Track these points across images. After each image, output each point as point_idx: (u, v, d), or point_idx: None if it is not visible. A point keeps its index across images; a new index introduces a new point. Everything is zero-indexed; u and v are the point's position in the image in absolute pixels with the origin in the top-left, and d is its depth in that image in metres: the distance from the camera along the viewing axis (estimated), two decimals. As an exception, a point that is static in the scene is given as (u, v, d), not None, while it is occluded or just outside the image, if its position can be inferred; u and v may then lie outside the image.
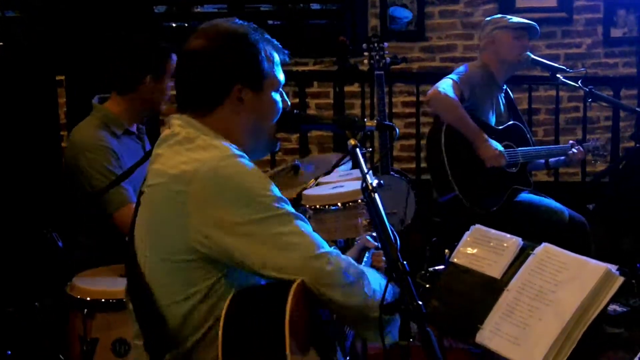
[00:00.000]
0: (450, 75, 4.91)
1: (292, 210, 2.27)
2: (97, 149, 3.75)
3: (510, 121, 5.06)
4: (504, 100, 5.11)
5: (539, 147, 5.16)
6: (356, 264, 2.32)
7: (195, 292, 2.28)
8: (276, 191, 2.27)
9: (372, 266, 2.94)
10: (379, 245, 2.93)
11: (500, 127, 4.94)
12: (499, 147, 4.76)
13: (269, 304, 2.17)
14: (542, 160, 5.18)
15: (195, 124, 2.36)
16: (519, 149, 4.91)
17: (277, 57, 2.45)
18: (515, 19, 4.99)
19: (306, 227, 2.27)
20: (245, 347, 2.13)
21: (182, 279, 2.29)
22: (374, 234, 2.94)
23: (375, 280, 2.35)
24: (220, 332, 2.13)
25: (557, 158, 5.13)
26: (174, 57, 3.89)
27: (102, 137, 3.79)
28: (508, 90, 5.19)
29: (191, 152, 2.28)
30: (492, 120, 4.96)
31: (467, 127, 4.73)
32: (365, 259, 2.93)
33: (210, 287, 2.28)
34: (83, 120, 3.93)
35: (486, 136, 4.74)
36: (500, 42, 4.94)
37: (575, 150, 5.11)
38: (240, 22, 2.42)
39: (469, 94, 4.82)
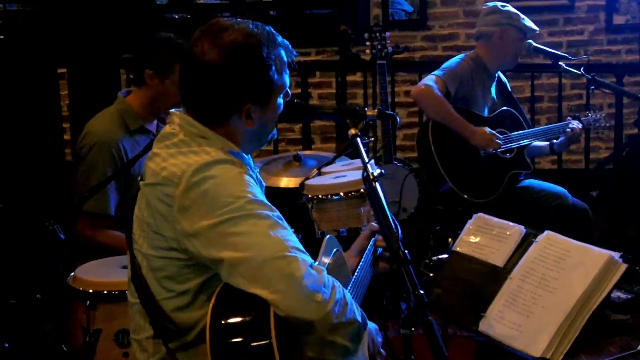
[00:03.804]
0: (436, 71, 4.88)
1: (264, 211, 2.18)
2: (105, 146, 3.74)
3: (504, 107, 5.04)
4: (496, 87, 5.07)
5: (534, 128, 5.09)
6: (329, 277, 2.19)
7: (189, 288, 2.30)
8: (251, 195, 2.20)
9: (376, 247, 2.93)
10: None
11: (491, 115, 4.92)
12: (488, 129, 4.75)
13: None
14: (547, 145, 5.12)
15: (196, 125, 2.34)
16: (513, 133, 4.89)
17: (285, 59, 2.39)
18: (525, 19, 4.90)
19: (272, 228, 2.17)
20: (232, 336, 2.14)
21: (177, 276, 2.30)
22: None
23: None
24: (207, 324, 2.15)
25: (560, 140, 5.05)
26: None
27: (114, 133, 3.78)
28: (500, 76, 5.14)
29: (184, 155, 2.27)
30: (485, 110, 4.94)
31: (453, 121, 4.72)
32: (369, 246, 2.92)
33: (203, 284, 2.30)
34: (103, 110, 3.92)
35: (472, 125, 4.72)
36: (508, 39, 4.85)
37: (572, 127, 5.03)
38: (253, 27, 2.33)
39: (456, 89, 4.80)
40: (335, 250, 2.67)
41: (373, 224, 2.98)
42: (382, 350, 2.53)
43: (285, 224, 2.23)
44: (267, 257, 2.10)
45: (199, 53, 2.30)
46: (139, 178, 2.43)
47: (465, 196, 4.64)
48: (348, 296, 2.23)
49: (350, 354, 2.23)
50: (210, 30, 2.32)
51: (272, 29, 2.38)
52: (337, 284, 2.20)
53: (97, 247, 3.68)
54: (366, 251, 2.87)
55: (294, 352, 2.16)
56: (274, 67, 2.33)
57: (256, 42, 2.30)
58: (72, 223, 3.72)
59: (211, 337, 2.12)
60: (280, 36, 2.39)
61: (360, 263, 2.81)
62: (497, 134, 4.75)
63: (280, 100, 2.41)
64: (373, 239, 2.92)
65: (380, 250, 2.92)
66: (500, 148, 4.74)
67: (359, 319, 2.23)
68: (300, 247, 2.19)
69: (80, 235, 3.77)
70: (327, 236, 2.73)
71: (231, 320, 2.16)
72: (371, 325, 2.48)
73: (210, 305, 2.17)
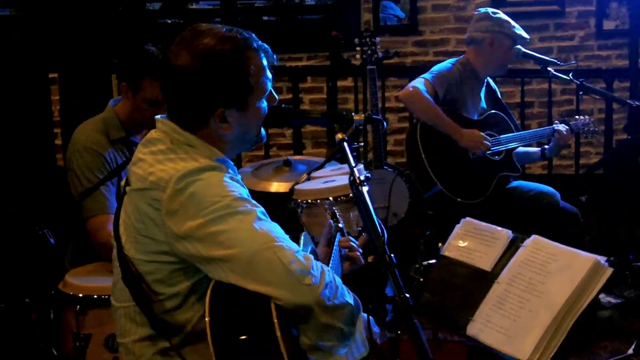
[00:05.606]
0: (424, 74, 4.89)
1: (248, 207, 2.22)
2: (90, 152, 3.69)
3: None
4: (485, 93, 5.09)
5: (523, 132, 5.11)
6: (318, 262, 2.25)
7: (179, 291, 2.32)
8: (237, 193, 2.24)
9: (340, 248, 2.93)
10: (343, 228, 2.97)
11: (479, 118, 4.93)
12: (477, 132, 4.76)
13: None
14: (537, 150, 5.14)
15: (181, 132, 2.36)
16: (502, 136, 4.90)
17: (265, 62, 2.39)
18: (517, 27, 4.91)
19: (257, 222, 2.21)
20: (232, 325, 2.17)
21: (167, 279, 2.32)
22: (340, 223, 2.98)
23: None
24: (207, 319, 2.16)
25: (550, 146, 5.06)
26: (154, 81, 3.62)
27: (97, 141, 3.73)
28: (489, 82, 5.15)
29: (172, 162, 2.29)
30: (474, 114, 4.95)
31: (442, 123, 4.73)
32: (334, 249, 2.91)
33: (193, 286, 2.32)
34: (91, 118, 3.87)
35: (461, 127, 4.73)
36: (499, 46, 4.87)
37: (558, 129, 5.02)
38: (227, 31, 2.34)
39: (444, 92, 4.81)
40: (310, 247, 2.71)
41: (331, 222, 2.99)
42: (378, 340, 2.54)
43: (269, 219, 2.27)
44: (254, 251, 2.15)
45: (173, 58, 2.33)
46: (123, 183, 2.44)
47: (455, 197, 4.65)
48: (338, 280, 2.28)
49: (347, 338, 2.28)
50: (187, 35, 2.35)
51: (251, 34, 2.39)
52: (327, 268, 2.25)
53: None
54: (332, 254, 2.87)
55: (293, 338, 2.19)
56: (248, 71, 2.33)
57: (230, 47, 2.31)
58: (64, 229, 3.70)
59: (212, 331, 2.14)
60: (258, 41, 2.40)
61: (330, 266, 2.82)
62: (486, 136, 4.76)
63: (264, 104, 2.42)
64: (336, 241, 2.92)
65: (344, 250, 2.92)
66: (488, 150, 4.76)
67: (352, 302, 2.29)
68: (286, 237, 2.24)
69: (94, 243, 3.64)
70: (303, 233, 2.75)
71: (231, 312, 2.19)
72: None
73: (207, 299, 2.19)
